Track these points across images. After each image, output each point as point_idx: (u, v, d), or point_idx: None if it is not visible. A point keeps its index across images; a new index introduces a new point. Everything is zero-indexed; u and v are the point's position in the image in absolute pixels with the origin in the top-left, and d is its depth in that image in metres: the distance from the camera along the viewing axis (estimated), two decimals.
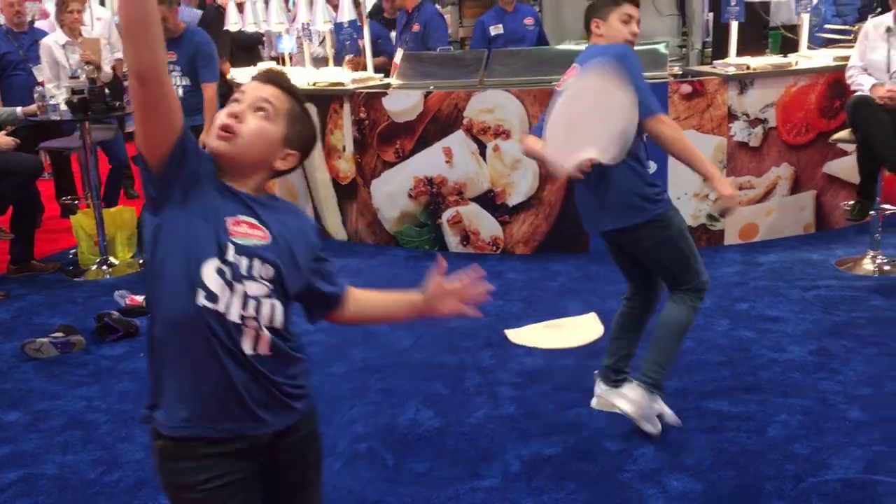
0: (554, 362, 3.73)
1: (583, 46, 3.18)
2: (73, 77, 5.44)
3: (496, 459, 2.96)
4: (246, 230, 1.56)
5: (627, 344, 3.16)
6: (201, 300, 1.52)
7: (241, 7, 6.89)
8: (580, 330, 4.07)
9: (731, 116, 5.04)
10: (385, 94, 5.42)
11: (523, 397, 3.43)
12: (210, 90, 5.26)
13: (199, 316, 1.52)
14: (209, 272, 1.52)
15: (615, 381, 3.14)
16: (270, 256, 1.58)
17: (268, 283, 1.57)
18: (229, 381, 1.56)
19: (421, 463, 2.98)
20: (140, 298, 4.70)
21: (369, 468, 2.95)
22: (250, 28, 6.95)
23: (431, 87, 5.37)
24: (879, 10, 5.95)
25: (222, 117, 1.59)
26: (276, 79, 1.65)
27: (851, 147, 4.80)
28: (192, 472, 1.58)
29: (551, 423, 3.19)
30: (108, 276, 5.35)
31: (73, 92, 5.23)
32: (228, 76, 6.92)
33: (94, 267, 5.43)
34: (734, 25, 5.44)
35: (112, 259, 5.49)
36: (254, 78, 1.67)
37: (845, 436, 2.97)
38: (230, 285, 1.53)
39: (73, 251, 5.76)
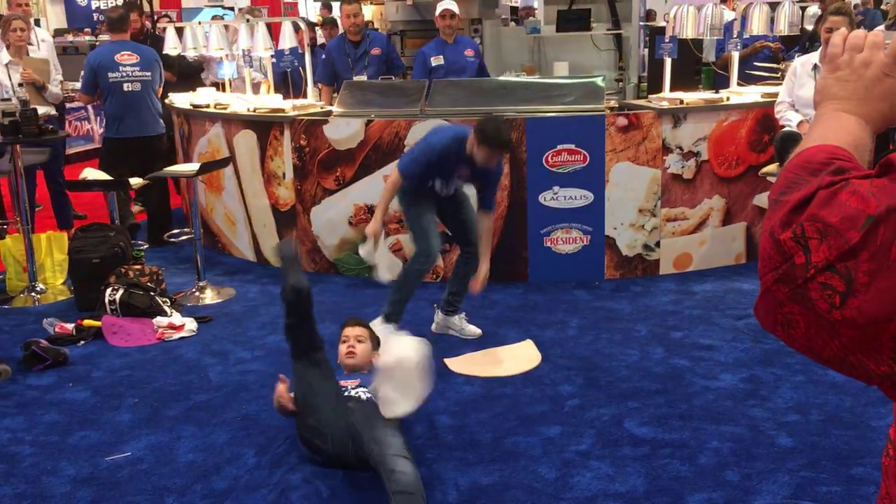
0: (492, 391, 3.74)
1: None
2: (5, 99, 5.31)
3: (434, 489, 2.95)
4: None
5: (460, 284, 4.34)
6: None
7: (180, 32, 6.82)
8: (518, 358, 4.10)
9: (666, 149, 5.17)
10: (326, 121, 5.42)
11: (462, 426, 3.43)
12: None
13: None
14: None
15: (448, 311, 4.39)
16: None
17: None
18: None
19: (357, 493, 2.94)
20: (70, 326, 4.58)
21: (303, 499, 2.91)
22: (190, 53, 6.89)
23: (373, 116, 5.38)
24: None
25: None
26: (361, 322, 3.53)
27: None
28: None
29: (489, 452, 3.20)
30: (36, 303, 5.19)
31: (4, 114, 5.10)
32: (167, 100, 6.85)
33: (22, 294, 5.27)
34: (668, 62, 5.60)
35: (41, 285, 5.34)
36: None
37: (774, 462, 3.04)
38: None
39: (0, 277, 5.58)
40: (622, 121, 5.12)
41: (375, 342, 3.47)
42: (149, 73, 6.21)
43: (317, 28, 8.41)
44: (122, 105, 6.15)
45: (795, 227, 0.89)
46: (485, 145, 3.91)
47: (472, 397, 3.69)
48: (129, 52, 6.15)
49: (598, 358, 4.07)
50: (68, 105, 8.17)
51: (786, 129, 4.71)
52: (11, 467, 3.21)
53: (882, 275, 0.84)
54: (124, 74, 6.12)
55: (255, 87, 7.00)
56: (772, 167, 4.87)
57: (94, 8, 17.20)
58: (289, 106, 5.72)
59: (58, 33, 14.14)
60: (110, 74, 6.10)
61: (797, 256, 0.88)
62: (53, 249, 5.51)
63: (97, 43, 10.06)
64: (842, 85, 1.05)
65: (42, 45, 6.84)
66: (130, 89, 6.14)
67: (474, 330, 4.40)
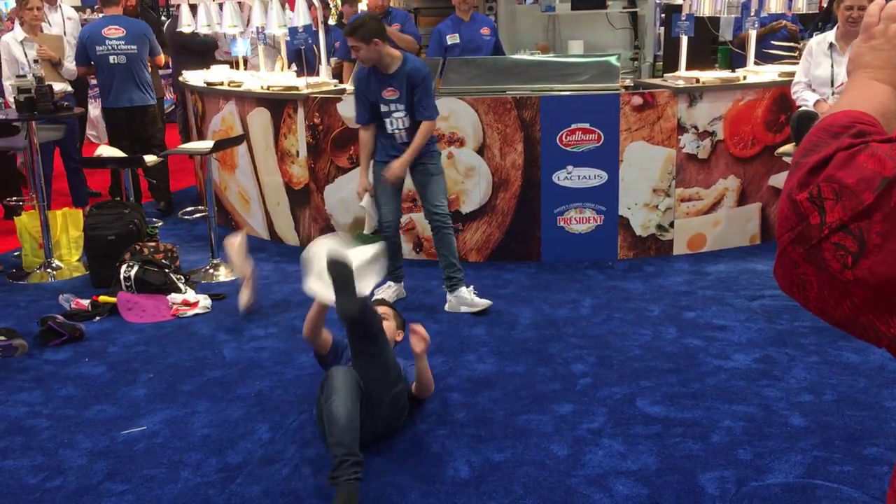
0: (504, 369, 3.75)
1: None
2: (20, 76, 5.32)
3: (446, 465, 2.97)
4: None
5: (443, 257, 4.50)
6: None
7: (194, 9, 6.81)
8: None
9: (681, 129, 5.13)
10: (339, 99, 5.41)
11: (474, 403, 3.44)
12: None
13: None
14: None
15: (451, 287, 4.47)
16: None
17: None
18: None
19: (370, 467, 2.96)
20: (86, 302, 4.61)
21: (317, 474, 2.93)
22: (203, 30, 6.87)
23: None
24: None
25: None
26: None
27: None
28: None
29: (501, 429, 3.21)
30: (52, 279, 5.23)
31: (20, 90, 5.12)
32: (180, 78, 6.85)
33: (38, 270, 5.31)
34: (684, 40, 5.55)
35: (57, 262, 5.37)
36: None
37: (787, 441, 3.04)
38: None
39: (16, 253, 5.63)
40: (637, 100, 5.09)
41: (400, 321, 3.56)
42: (134, 47, 6.37)
43: (331, 6, 8.37)
44: (109, 77, 6.37)
45: (812, 188, 0.90)
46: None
47: (484, 375, 3.70)
48: (116, 27, 6.34)
49: (610, 337, 4.07)
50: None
51: (802, 108, 4.67)
52: (29, 440, 3.25)
53: (894, 236, 0.84)
54: (110, 48, 6.30)
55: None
56: (788, 147, 4.84)
57: None
58: (302, 84, 5.71)
59: None
60: (98, 48, 6.30)
61: (812, 217, 0.89)
62: (69, 226, 5.54)
63: None
64: (875, 54, 1.05)
65: (68, 22, 6.90)
66: (116, 62, 6.32)
67: (484, 302, 4.43)
